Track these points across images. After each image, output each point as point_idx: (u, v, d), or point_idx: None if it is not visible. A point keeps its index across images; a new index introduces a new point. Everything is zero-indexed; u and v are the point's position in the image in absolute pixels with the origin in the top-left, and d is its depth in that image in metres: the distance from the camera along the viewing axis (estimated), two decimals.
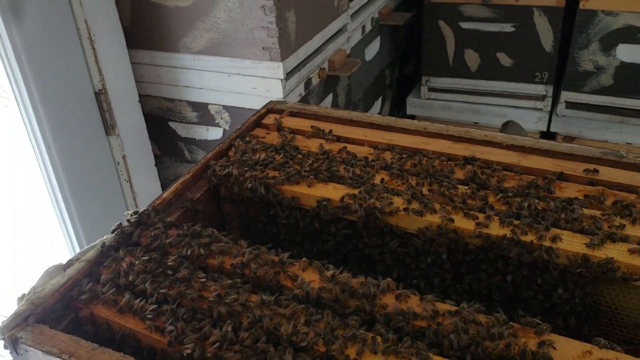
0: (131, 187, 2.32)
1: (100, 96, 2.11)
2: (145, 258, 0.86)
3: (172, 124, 2.38)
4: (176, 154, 2.46)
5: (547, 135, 3.09)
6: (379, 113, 3.15)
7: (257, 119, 1.22)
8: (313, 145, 1.13)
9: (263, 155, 1.08)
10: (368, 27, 2.79)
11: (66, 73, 1.97)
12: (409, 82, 3.50)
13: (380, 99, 3.15)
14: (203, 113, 2.29)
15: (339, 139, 1.15)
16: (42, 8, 1.84)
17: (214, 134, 2.30)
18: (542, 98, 2.99)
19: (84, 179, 2.10)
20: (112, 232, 0.92)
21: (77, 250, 2.04)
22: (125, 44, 2.18)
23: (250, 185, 1.01)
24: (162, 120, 2.38)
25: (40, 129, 1.92)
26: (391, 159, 1.06)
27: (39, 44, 1.85)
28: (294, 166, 1.05)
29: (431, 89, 3.19)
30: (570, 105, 2.93)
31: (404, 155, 1.07)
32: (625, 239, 0.84)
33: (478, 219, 0.90)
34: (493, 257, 0.89)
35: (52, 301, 0.81)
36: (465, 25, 2.97)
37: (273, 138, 1.16)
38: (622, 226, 0.86)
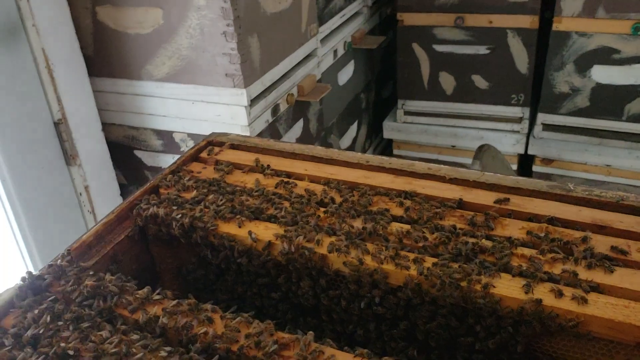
0: (95, 218, 2.26)
1: (60, 126, 2.06)
2: (51, 311, 0.80)
3: (138, 153, 2.33)
4: (143, 183, 2.39)
5: (526, 157, 3.05)
6: (355, 137, 3.11)
7: (195, 153, 1.17)
8: (250, 180, 1.07)
9: (194, 193, 1.03)
10: (340, 51, 2.76)
11: (23, 103, 1.92)
12: (386, 105, 3.47)
13: (355, 124, 3.11)
14: (168, 141, 2.24)
15: (278, 173, 1.09)
16: None
17: None
18: (519, 120, 2.96)
19: (43, 211, 2.04)
20: (21, 281, 0.86)
21: None
22: (86, 72, 2.13)
23: (176, 226, 0.95)
24: (127, 149, 2.33)
25: None
26: (329, 194, 1.01)
27: None
28: (225, 204, 0.99)
29: (407, 112, 3.15)
30: (547, 127, 2.90)
31: (342, 191, 1.01)
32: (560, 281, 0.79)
33: (410, 262, 0.84)
34: (427, 302, 0.83)
35: None
36: (439, 48, 2.94)
37: (209, 173, 1.10)
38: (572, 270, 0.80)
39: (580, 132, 2.86)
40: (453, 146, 3.14)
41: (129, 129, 2.28)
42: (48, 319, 0.79)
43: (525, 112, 2.95)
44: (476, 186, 1.00)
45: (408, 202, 0.97)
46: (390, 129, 3.22)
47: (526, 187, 0.98)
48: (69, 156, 2.10)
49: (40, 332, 0.78)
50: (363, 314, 0.89)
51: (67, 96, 2.05)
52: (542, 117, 2.89)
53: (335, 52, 2.70)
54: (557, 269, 0.81)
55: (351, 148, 3.09)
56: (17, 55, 1.88)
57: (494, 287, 0.79)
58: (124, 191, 2.40)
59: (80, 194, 2.19)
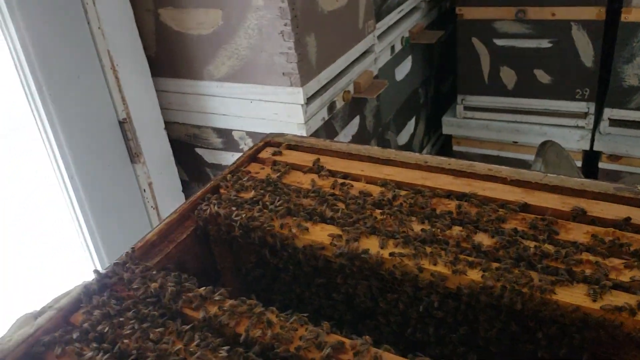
0: (158, 214, 2.33)
1: (125, 125, 2.12)
2: (118, 308, 0.83)
3: (199, 150, 2.39)
4: (203, 180, 2.46)
5: (591, 154, 2.95)
6: (413, 133, 3.08)
7: (254, 153, 1.18)
8: (306, 181, 1.08)
9: (252, 193, 1.04)
10: (398, 47, 2.73)
11: (89, 104, 1.99)
12: (445, 100, 3.41)
13: (413, 119, 3.08)
14: (227, 139, 2.28)
15: (334, 174, 1.09)
16: (64, 42, 1.86)
17: None
18: (583, 116, 2.86)
19: (109, 208, 2.12)
20: (90, 280, 0.89)
21: None
22: (149, 72, 2.19)
23: (235, 226, 0.97)
24: (188, 147, 2.39)
25: (63, 160, 1.94)
26: (386, 196, 1.00)
27: (61, 75, 1.87)
28: (282, 205, 1.00)
29: (467, 108, 3.10)
30: (615, 122, 2.79)
31: (400, 192, 1.00)
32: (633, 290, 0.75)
33: (469, 266, 0.82)
34: (487, 307, 0.81)
35: (19, 353, 0.78)
36: (499, 42, 2.87)
37: (266, 173, 1.11)
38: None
39: None
40: (515, 142, 3.06)
41: (190, 128, 2.33)
42: (113, 316, 0.82)
43: (591, 107, 2.85)
44: (539, 188, 0.97)
45: (467, 205, 0.95)
46: (449, 125, 3.17)
47: (592, 189, 0.94)
48: (134, 154, 2.16)
49: (105, 329, 0.81)
50: (422, 318, 0.89)
51: (132, 96, 2.12)
52: (609, 112, 2.79)
53: (392, 47, 2.68)
54: (625, 277, 0.78)
55: (409, 144, 3.06)
56: (84, 57, 1.95)
57: (556, 293, 0.77)
58: (186, 188, 2.46)
59: (144, 191, 2.25)
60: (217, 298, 0.84)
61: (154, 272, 0.88)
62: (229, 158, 2.32)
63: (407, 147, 3.05)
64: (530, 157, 3.02)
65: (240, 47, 2.04)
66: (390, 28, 2.65)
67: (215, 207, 1.00)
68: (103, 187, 2.08)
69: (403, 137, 2.98)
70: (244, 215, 0.98)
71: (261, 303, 0.82)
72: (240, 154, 2.26)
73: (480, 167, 1.03)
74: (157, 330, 0.80)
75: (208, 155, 2.39)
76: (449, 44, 3.26)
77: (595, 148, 2.90)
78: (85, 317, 0.83)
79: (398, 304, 0.90)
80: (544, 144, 2.45)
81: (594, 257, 0.82)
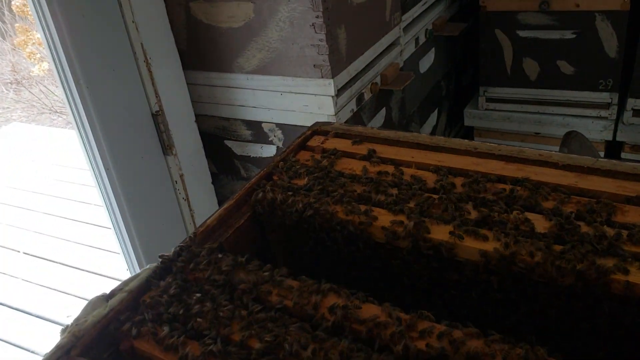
0: (189, 205, 2.36)
1: (158, 117, 2.16)
2: (187, 288, 0.85)
3: (228, 143, 2.41)
4: (232, 172, 2.49)
5: (614, 144, 2.96)
6: (435, 125, 3.10)
7: (302, 141, 1.21)
8: (357, 167, 1.10)
9: (306, 180, 1.07)
10: (422, 39, 2.75)
11: (124, 96, 2.03)
12: (466, 93, 3.43)
13: (436, 111, 3.10)
14: (257, 131, 2.30)
15: (384, 160, 1.12)
16: (100, 35, 1.90)
17: (268, 151, 2.31)
18: (607, 106, 2.87)
19: (142, 199, 2.15)
20: (159, 262, 0.92)
21: (137, 269, 2.08)
22: (181, 65, 2.22)
23: (295, 211, 1.00)
24: (218, 139, 2.41)
25: (100, 152, 1.98)
26: (439, 181, 1.02)
27: (97, 69, 1.91)
28: (338, 190, 1.03)
29: (489, 100, 3.11)
30: (638, 112, 2.79)
31: (453, 178, 1.03)
32: None
33: (529, 248, 0.85)
34: (549, 288, 0.83)
35: (94, 333, 0.81)
36: (522, 33, 2.88)
37: (318, 161, 1.14)
38: None
39: None
40: (537, 133, 3.07)
41: (220, 120, 2.35)
42: (183, 297, 0.85)
43: (614, 97, 2.85)
44: (591, 172, 0.99)
45: (521, 189, 0.97)
46: (471, 117, 3.19)
47: None
48: (166, 146, 2.19)
49: (177, 310, 0.84)
50: (481, 299, 0.91)
51: (164, 89, 2.15)
52: (632, 103, 2.79)
53: (417, 40, 2.69)
54: None
55: (432, 136, 3.08)
56: (119, 51, 1.98)
57: (615, 274, 0.79)
58: (215, 180, 2.49)
59: (176, 182, 2.29)
60: (279, 279, 0.86)
61: (220, 255, 0.91)
62: (259, 150, 2.35)
63: None
64: (552, 148, 3.03)
65: (271, 39, 2.06)
66: (415, 20, 2.67)
67: (271, 194, 1.03)
68: (138, 178, 2.11)
69: (426, 129, 2.99)
70: (300, 201, 1.00)
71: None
72: (270, 146, 2.31)
73: (531, 152, 1.05)
74: (226, 309, 0.83)
75: (237, 148, 2.41)
76: (471, 36, 3.28)
77: (618, 138, 2.91)
78: (157, 299, 0.86)
79: (456, 286, 0.92)
80: (568, 134, 2.47)
81: None
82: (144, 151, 2.13)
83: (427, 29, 2.79)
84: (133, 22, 2.01)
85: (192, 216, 2.38)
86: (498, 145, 1.08)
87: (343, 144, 1.19)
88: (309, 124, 2.18)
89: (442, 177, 1.03)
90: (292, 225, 1.02)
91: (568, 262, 0.81)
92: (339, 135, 1.23)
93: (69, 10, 1.80)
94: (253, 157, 2.38)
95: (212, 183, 2.47)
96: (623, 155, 2.93)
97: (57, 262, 3.50)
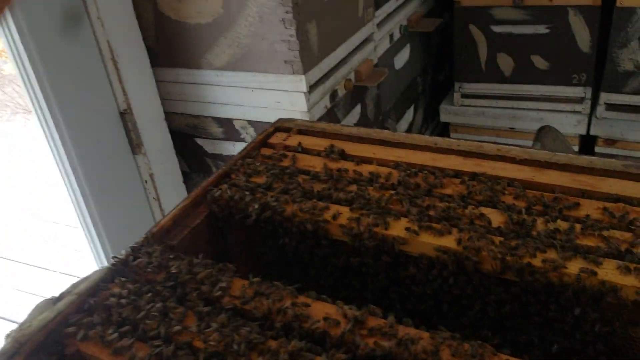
0: (159, 205, 2.33)
1: (125, 116, 2.12)
2: (138, 291, 0.84)
3: (199, 141, 2.39)
4: (204, 170, 2.46)
5: (588, 138, 2.97)
6: (412, 121, 3.09)
7: (264, 138, 1.19)
8: (318, 164, 1.09)
9: (264, 178, 1.05)
10: (396, 35, 2.74)
11: (90, 95, 1.99)
12: (443, 88, 3.43)
13: (412, 108, 3.09)
14: (228, 129, 2.28)
15: (346, 157, 1.10)
16: (63, 31, 1.86)
17: (240, 149, 2.28)
18: (580, 100, 2.88)
19: (111, 200, 2.12)
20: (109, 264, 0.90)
21: None
22: (149, 63, 2.19)
23: (251, 210, 0.98)
24: (189, 137, 2.39)
25: (66, 152, 1.94)
26: (398, 177, 1.01)
27: (61, 67, 1.87)
28: (297, 188, 1.01)
29: (464, 95, 3.11)
30: (611, 107, 2.81)
31: (411, 174, 1.02)
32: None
33: (483, 243, 0.84)
34: (500, 282, 0.83)
35: (40, 338, 0.79)
36: (497, 28, 2.88)
37: (278, 158, 1.12)
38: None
39: None
40: (512, 128, 3.08)
41: (190, 118, 2.33)
42: (133, 299, 0.83)
43: (587, 92, 2.87)
44: (548, 167, 0.99)
45: (477, 184, 0.97)
46: (447, 113, 3.19)
47: (600, 166, 0.96)
48: (135, 145, 2.16)
49: (127, 312, 0.82)
50: (437, 294, 0.90)
51: (132, 87, 2.11)
52: (605, 97, 2.81)
53: (391, 36, 2.68)
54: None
55: (408, 132, 3.07)
56: (84, 48, 1.94)
57: (566, 267, 0.78)
58: (187, 178, 2.46)
59: (146, 182, 2.25)
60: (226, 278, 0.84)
61: (172, 256, 0.89)
62: (230, 148, 2.33)
63: None
64: (526, 142, 3.04)
65: (240, 35, 2.03)
66: (389, 16, 2.65)
67: (228, 192, 1.01)
68: (106, 178, 2.08)
69: (402, 126, 2.99)
70: (257, 200, 0.99)
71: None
72: (242, 144, 2.28)
73: (489, 147, 1.04)
74: (177, 311, 0.81)
75: (209, 146, 2.39)
76: (447, 32, 3.27)
77: (591, 132, 2.92)
78: (106, 301, 0.84)
79: (413, 282, 0.91)
80: (541, 129, 2.47)
81: (606, 232, 0.83)
82: (111, 151, 2.10)
83: (401, 25, 2.78)
84: (98, 18, 1.97)
85: (163, 215, 2.35)
86: (457, 141, 1.07)
87: (306, 141, 1.18)
88: None
89: (401, 173, 1.02)
90: (250, 226, 1.00)
91: (520, 257, 0.80)
92: (301, 132, 1.21)
93: (29, 6, 1.76)
94: (225, 155, 2.36)
95: (184, 182, 2.44)
96: (597, 149, 2.94)
97: (22, 263, 3.44)
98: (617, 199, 0.90)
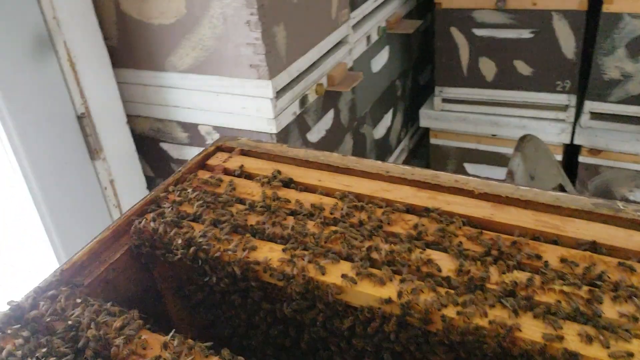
0: (120, 212, 2.22)
1: (83, 120, 2.01)
2: (30, 345, 0.73)
3: (164, 145, 2.28)
4: (169, 176, 2.35)
5: (571, 148, 2.88)
6: (390, 126, 2.99)
7: (202, 159, 1.08)
8: (257, 192, 0.98)
9: (195, 207, 0.94)
10: (374, 37, 2.63)
11: (44, 98, 1.87)
12: (423, 92, 3.32)
13: (390, 112, 2.99)
14: (193, 134, 2.17)
15: (288, 184, 1.00)
16: (14, 33, 1.74)
17: None
18: (564, 108, 2.79)
19: (67, 208, 2.00)
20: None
21: None
22: (110, 64, 2.07)
23: (174, 246, 0.87)
24: (153, 141, 2.28)
25: (17, 158, 1.82)
26: (342, 211, 0.91)
27: (11, 68, 1.75)
28: (228, 220, 0.91)
29: (445, 100, 3.01)
30: (596, 115, 2.71)
31: (358, 207, 0.91)
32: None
33: (430, 296, 0.73)
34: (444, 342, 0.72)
35: None
36: (479, 32, 2.78)
37: (214, 183, 1.01)
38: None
39: (631, 120, 2.67)
40: (494, 135, 2.98)
41: (154, 121, 2.22)
42: (25, 354, 0.72)
43: (572, 99, 2.77)
44: (509, 203, 0.88)
45: (429, 221, 0.86)
46: (427, 118, 3.08)
47: (567, 205, 0.86)
48: (93, 150, 2.05)
49: None
50: (378, 348, 0.80)
51: (91, 89, 2.00)
52: (589, 105, 2.71)
53: (368, 38, 2.57)
54: (610, 311, 0.69)
55: (386, 138, 2.97)
56: (38, 49, 1.83)
57: (520, 330, 0.68)
58: (151, 184, 2.35)
59: (106, 189, 2.14)
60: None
61: (78, 300, 0.78)
62: (195, 153, 2.21)
63: (384, 140, 2.96)
64: (508, 150, 2.95)
65: (204, 37, 1.92)
66: (366, 17, 2.54)
67: (152, 224, 0.90)
68: (61, 186, 1.96)
69: (380, 131, 2.88)
70: (182, 234, 0.88)
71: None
72: None
73: (446, 177, 0.94)
74: None
75: (173, 151, 2.28)
76: (428, 34, 3.17)
77: (575, 142, 2.83)
78: None
79: (352, 335, 0.81)
80: (522, 138, 2.38)
81: (566, 286, 0.73)
82: (68, 156, 1.98)
83: (379, 27, 2.67)
84: (54, 18, 1.86)
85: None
86: (412, 169, 0.97)
87: (248, 163, 1.07)
88: (248, 127, 2.06)
89: (346, 205, 0.92)
90: (177, 262, 0.90)
91: (469, 316, 0.70)
92: (244, 152, 1.10)
93: None
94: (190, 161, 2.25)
95: (148, 187, 2.33)
96: (581, 159, 2.85)
97: None
98: (583, 245, 0.79)
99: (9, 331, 0.76)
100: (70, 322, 0.75)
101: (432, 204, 0.89)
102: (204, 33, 1.92)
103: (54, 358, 0.71)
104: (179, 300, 0.97)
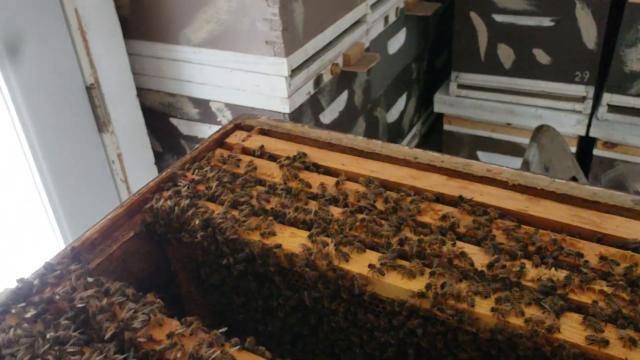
0: (127, 187, 2.18)
1: (92, 91, 1.96)
2: (37, 329, 0.69)
3: (174, 120, 2.23)
4: (178, 152, 2.31)
5: (586, 140, 2.82)
6: (403, 110, 2.93)
7: (220, 137, 1.04)
8: (278, 174, 0.94)
9: (214, 187, 0.90)
10: (392, 18, 2.57)
11: (53, 67, 1.82)
12: (439, 77, 3.26)
13: (404, 95, 2.93)
14: (205, 110, 2.12)
15: (310, 167, 0.95)
16: None
17: None
18: (581, 100, 2.72)
19: (73, 181, 1.96)
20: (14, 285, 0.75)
21: None
22: (121, 34, 2.02)
23: (192, 226, 0.83)
24: (163, 116, 2.23)
25: (23, 127, 1.78)
26: (368, 198, 0.86)
27: (21, 35, 1.70)
28: (247, 202, 0.86)
29: (461, 86, 2.94)
30: (613, 108, 2.65)
31: (384, 194, 0.86)
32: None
33: (462, 292, 0.69)
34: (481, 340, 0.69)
35: None
36: (499, 17, 2.71)
37: (233, 163, 0.97)
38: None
39: None
40: (508, 124, 2.92)
41: (165, 96, 2.17)
42: (32, 336, 0.68)
43: (590, 91, 2.71)
44: (544, 196, 0.84)
45: (460, 212, 0.82)
46: (441, 103, 3.02)
47: (605, 201, 0.81)
48: (101, 123, 2.00)
49: (22, 354, 0.67)
50: (401, 342, 0.76)
51: (101, 60, 1.95)
52: (608, 98, 2.65)
53: (386, 18, 2.51)
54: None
55: (398, 122, 2.92)
56: (49, 17, 1.77)
57: (559, 331, 0.64)
58: (159, 159, 2.31)
59: (113, 162, 2.10)
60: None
61: (90, 280, 0.74)
62: (206, 130, 2.17)
63: (397, 124, 2.90)
64: (523, 139, 2.89)
65: (220, 10, 1.87)
66: None
67: (169, 202, 0.86)
68: (67, 157, 1.92)
69: (393, 115, 2.83)
70: (201, 214, 0.84)
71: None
72: (219, 127, 2.13)
73: (478, 166, 0.89)
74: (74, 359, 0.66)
75: (183, 127, 2.23)
76: (446, 17, 3.10)
77: (591, 134, 2.77)
78: (2, 335, 0.69)
79: (375, 327, 0.77)
80: (539, 128, 2.33)
81: (607, 287, 0.69)
82: (75, 128, 1.94)
83: (398, 8, 2.60)
84: None
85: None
86: (441, 156, 0.92)
87: (268, 143, 1.02)
88: (260, 106, 2.01)
89: (372, 192, 0.87)
90: (193, 242, 0.86)
91: (504, 314, 0.66)
92: (264, 132, 1.06)
93: None
94: (200, 137, 2.20)
95: (156, 163, 2.28)
96: (595, 151, 2.80)
97: None
98: (623, 245, 0.75)
99: (13, 310, 0.72)
100: (81, 304, 0.71)
101: (464, 194, 0.85)
102: (220, 6, 1.86)
103: (58, 345, 0.67)
104: (193, 283, 0.93)
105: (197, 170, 0.95)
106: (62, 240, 1.97)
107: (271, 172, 0.95)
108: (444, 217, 0.81)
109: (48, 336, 0.68)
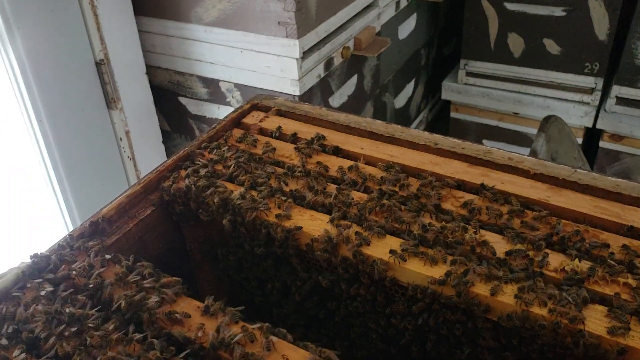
0: (135, 164, 2.17)
1: (102, 67, 1.94)
2: (54, 305, 0.68)
3: (183, 100, 2.21)
4: (186, 131, 2.30)
5: (593, 132, 2.82)
6: (411, 96, 2.92)
7: (237, 117, 1.03)
8: (296, 156, 0.93)
9: (232, 167, 0.89)
10: (403, 3, 2.54)
11: (63, 41, 1.81)
12: (447, 64, 3.24)
13: (412, 82, 2.91)
14: (214, 90, 2.11)
15: (328, 150, 0.94)
16: None
17: (225, 113, 2.11)
18: (590, 91, 2.71)
19: (81, 157, 1.95)
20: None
21: None
22: (132, 10, 2.00)
23: (210, 206, 0.82)
24: (172, 95, 2.21)
25: (31, 101, 1.77)
26: (388, 183, 0.86)
27: (31, 9, 1.68)
28: (266, 184, 0.86)
29: (469, 74, 2.93)
30: (622, 101, 2.64)
31: (404, 180, 0.86)
32: None
33: (482, 281, 0.69)
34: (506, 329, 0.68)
35: None
36: (510, 6, 2.69)
37: (251, 143, 0.96)
38: None
39: None
40: (515, 113, 2.91)
41: (174, 74, 2.15)
42: (50, 311, 0.67)
43: (599, 82, 2.69)
44: (566, 186, 0.83)
45: (482, 200, 0.81)
46: (449, 90, 3.01)
47: (629, 192, 0.81)
48: (110, 99, 1.99)
49: (40, 329, 0.66)
50: (419, 329, 0.76)
51: (111, 35, 1.93)
52: (617, 90, 2.64)
53: (397, 3, 2.49)
54: None
55: (406, 108, 2.90)
56: None
57: (584, 323, 0.64)
58: (167, 138, 2.30)
59: (121, 139, 2.09)
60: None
61: (108, 257, 0.74)
62: (215, 110, 2.16)
63: (404, 110, 2.89)
64: (529, 129, 2.89)
65: None
66: None
67: (186, 181, 0.85)
68: (75, 133, 1.91)
69: (400, 100, 2.81)
70: (219, 194, 0.83)
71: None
72: (227, 108, 2.11)
73: (499, 154, 0.88)
74: (96, 334, 0.66)
75: (192, 106, 2.22)
76: (456, 4, 3.07)
77: (598, 126, 2.76)
78: (17, 310, 0.69)
79: (393, 313, 0.77)
80: (547, 118, 2.32)
81: (632, 279, 0.69)
82: (84, 103, 1.92)
83: None
84: None
85: (138, 177, 2.19)
86: (462, 142, 0.91)
87: (285, 125, 1.02)
88: (270, 87, 2.00)
89: (392, 177, 0.87)
90: (209, 222, 0.85)
91: (527, 304, 0.66)
92: (281, 113, 1.05)
93: None
94: (209, 117, 2.19)
95: (163, 142, 2.27)
96: (601, 144, 2.79)
97: None
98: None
99: (28, 284, 0.71)
100: (98, 280, 0.70)
101: (486, 182, 0.84)
102: None
103: (77, 322, 0.67)
104: (208, 263, 0.93)
105: (215, 150, 0.94)
106: (67, 215, 1.96)
107: (289, 153, 0.94)
108: (465, 204, 0.80)
109: (67, 312, 0.67)
